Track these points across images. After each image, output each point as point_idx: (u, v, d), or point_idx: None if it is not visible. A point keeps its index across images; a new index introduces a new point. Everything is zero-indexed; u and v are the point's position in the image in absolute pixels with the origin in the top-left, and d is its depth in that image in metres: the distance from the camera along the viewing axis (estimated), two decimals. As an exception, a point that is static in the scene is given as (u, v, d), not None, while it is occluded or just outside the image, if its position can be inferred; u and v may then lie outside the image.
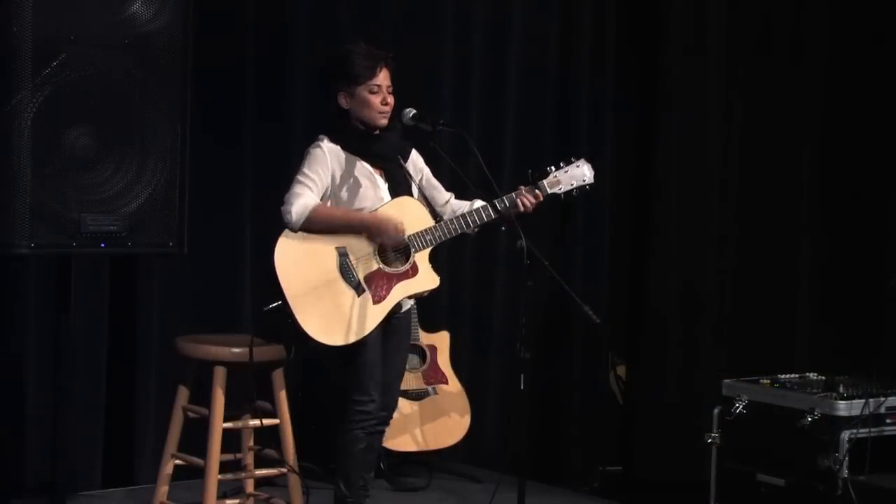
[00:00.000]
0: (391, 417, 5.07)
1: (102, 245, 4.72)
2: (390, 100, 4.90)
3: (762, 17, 7.11)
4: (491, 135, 6.54)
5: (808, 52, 7.16)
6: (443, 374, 6.03)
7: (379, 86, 4.88)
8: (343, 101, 4.91)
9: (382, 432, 5.07)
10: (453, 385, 6.04)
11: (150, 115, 4.77)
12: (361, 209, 4.88)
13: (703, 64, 6.99)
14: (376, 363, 4.88)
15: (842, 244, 7.06)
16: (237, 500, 5.22)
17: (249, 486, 5.29)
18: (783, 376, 5.89)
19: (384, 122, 4.91)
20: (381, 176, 4.96)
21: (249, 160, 5.99)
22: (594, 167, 5.06)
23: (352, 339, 4.80)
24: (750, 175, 7.14)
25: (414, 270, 4.91)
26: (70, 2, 4.60)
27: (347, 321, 4.80)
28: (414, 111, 4.94)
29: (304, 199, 4.78)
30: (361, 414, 4.86)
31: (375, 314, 4.83)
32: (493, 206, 4.94)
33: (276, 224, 4.84)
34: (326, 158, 4.87)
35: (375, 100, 4.88)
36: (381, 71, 4.89)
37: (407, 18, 6.31)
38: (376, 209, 4.89)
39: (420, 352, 6.00)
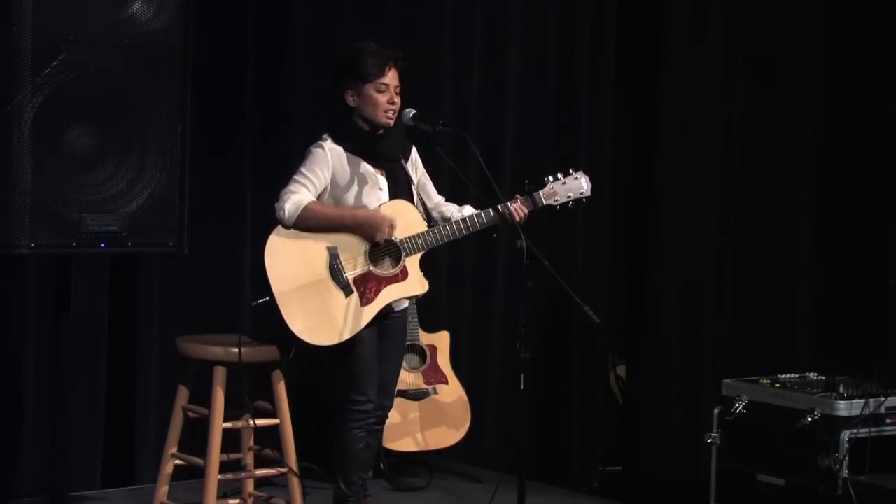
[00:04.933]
0: (387, 417, 5.08)
1: (102, 245, 4.72)
2: (397, 100, 4.91)
3: (763, 18, 7.12)
4: (490, 135, 6.54)
5: (809, 52, 7.17)
6: (443, 374, 6.03)
7: (387, 85, 4.89)
8: (350, 99, 4.92)
9: (380, 431, 5.07)
10: (453, 385, 6.04)
11: (150, 115, 4.77)
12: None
13: (702, 62, 7.00)
14: (372, 362, 4.88)
15: (841, 245, 7.06)
16: (237, 500, 5.21)
17: (249, 486, 5.28)
18: (783, 376, 5.89)
19: (389, 122, 4.91)
20: (382, 175, 4.96)
21: (249, 160, 5.99)
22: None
23: (336, 339, 4.80)
24: (750, 176, 7.15)
25: (404, 274, 4.92)
26: (70, 2, 4.59)
27: (333, 322, 4.80)
28: (414, 111, 4.94)
29: (299, 195, 4.80)
30: (360, 413, 4.87)
31: (363, 316, 4.84)
32: (487, 214, 4.94)
33: (275, 223, 4.85)
34: (327, 158, 4.87)
35: (382, 98, 4.88)
36: (389, 70, 4.89)
37: (407, 19, 6.31)
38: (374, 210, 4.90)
39: (420, 352, 5.99)
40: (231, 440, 5.09)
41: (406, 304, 5.06)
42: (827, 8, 7.12)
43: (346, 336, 4.81)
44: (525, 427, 5.15)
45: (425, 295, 5.07)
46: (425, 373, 6.00)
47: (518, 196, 4.99)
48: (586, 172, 5.14)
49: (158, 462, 5.18)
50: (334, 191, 4.89)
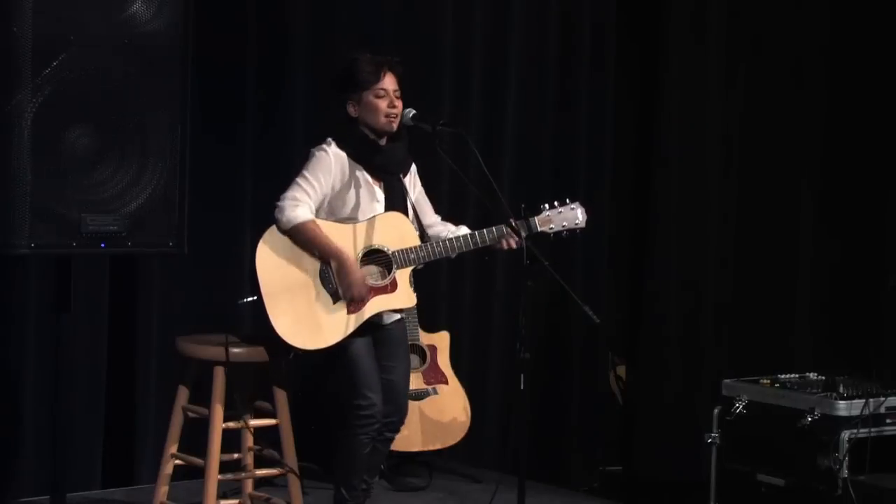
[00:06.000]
0: (402, 424, 5.05)
1: (102, 245, 4.72)
2: (397, 104, 4.89)
3: (762, 21, 7.12)
4: (491, 136, 6.54)
5: (809, 52, 7.17)
6: (443, 374, 6.03)
7: (385, 90, 4.87)
8: (352, 110, 4.91)
9: (391, 440, 5.04)
10: (453, 385, 6.04)
11: (150, 115, 4.76)
12: (354, 218, 4.89)
13: (703, 63, 7.01)
14: (368, 367, 4.86)
15: (842, 244, 7.07)
16: (237, 500, 5.21)
17: (249, 486, 5.28)
18: (783, 376, 5.89)
19: (393, 126, 4.90)
20: (379, 187, 4.95)
21: (249, 160, 5.99)
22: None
23: (319, 345, 4.80)
24: (750, 176, 7.15)
25: (393, 286, 4.91)
26: (70, 2, 4.59)
27: (318, 326, 4.80)
28: (414, 111, 4.93)
29: (299, 210, 4.79)
30: (364, 418, 4.85)
31: (347, 324, 4.83)
32: (482, 235, 4.93)
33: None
34: (331, 164, 4.86)
35: (381, 104, 4.87)
36: (385, 75, 4.88)
37: (407, 18, 6.31)
38: (368, 220, 4.89)
39: (420, 352, 5.99)
40: (231, 440, 5.09)
41: (399, 315, 5.06)
42: (829, 9, 7.12)
43: (330, 342, 4.81)
44: (525, 427, 5.14)
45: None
46: (425, 373, 6.00)
47: (512, 220, 4.95)
48: (583, 204, 5.09)
49: (158, 462, 5.18)
50: (332, 197, 4.88)
